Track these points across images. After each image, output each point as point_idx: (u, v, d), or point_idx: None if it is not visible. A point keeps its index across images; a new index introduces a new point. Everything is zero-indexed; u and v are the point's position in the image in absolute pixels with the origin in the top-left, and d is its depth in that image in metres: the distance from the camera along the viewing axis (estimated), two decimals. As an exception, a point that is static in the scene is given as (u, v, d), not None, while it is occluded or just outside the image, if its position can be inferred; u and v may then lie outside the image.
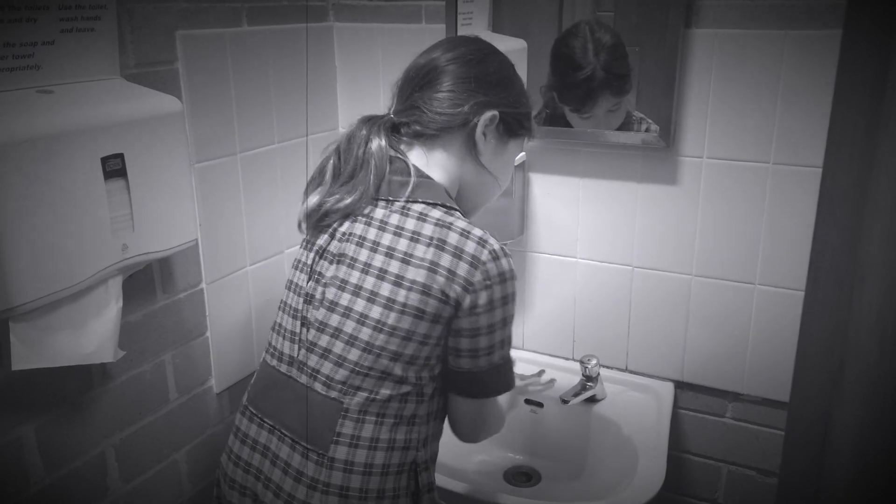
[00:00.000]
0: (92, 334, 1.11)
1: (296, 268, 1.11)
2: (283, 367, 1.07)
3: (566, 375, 1.58)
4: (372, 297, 0.99)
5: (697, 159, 1.43)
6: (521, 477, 1.52)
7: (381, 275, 0.99)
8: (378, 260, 1.00)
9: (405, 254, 0.99)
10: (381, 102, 1.67)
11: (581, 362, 1.52)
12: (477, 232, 1.00)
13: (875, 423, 0.74)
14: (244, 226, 1.48)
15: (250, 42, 1.43)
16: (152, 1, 1.23)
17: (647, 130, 1.44)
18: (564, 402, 1.47)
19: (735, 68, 1.35)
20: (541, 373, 1.53)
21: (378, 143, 1.05)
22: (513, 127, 1.11)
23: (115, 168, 1.08)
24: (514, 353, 1.09)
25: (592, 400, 1.54)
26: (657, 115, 1.42)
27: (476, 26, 1.54)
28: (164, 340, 1.35)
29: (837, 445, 0.75)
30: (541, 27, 1.53)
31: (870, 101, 0.67)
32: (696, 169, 1.43)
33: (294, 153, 1.59)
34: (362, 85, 1.68)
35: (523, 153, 1.53)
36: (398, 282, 0.98)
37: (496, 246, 1.00)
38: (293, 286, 1.09)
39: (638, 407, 1.52)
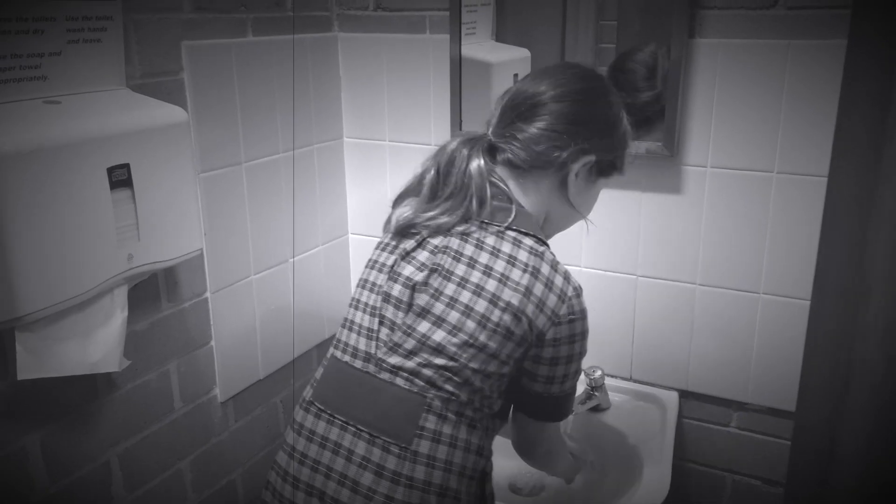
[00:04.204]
0: (97, 344, 1.11)
1: (371, 268, 1.11)
2: (359, 364, 1.05)
3: (571, 385, 1.57)
4: (467, 312, 1.01)
5: (701, 168, 1.43)
6: (527, 487, 1.51)
7: (478, 291, 1.01)
8: (475, 276, 1.02)
9: (502, 275, 1.01)
10: (386, 112, 1.67)
11: (585, 372, 1.52)
12: (563, 268, 1.05)
13: (882, 433, 0.74)
14: (249, 235, 1.49)
15: (255, 52, 1.44)
16: (158, 12, 1.24)
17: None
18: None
19: (739, 78, 1.35)
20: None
21: (478, 164, 1.06)
22: (605, 169, 1.12)
23: (120, 178, 1.08)
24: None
25: (597, 409, 1.53)
26: (661, 124, 1.42)
27: (479, 36, 1.55)
28: (168, 349, 1.35)
29: (844, 456, 0.75)
30: (544, 36, 1.54)
31: (875, 112, 0.67)
32: (701, 178, 1.43)
33: (299, 163, 1.59)
34: (366, 95, 1.69)
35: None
36: (494, 301, 1.00)
37: (577, 283, 1.05)
38: (369, 285, 1.09)
39: (642, 416, 1.52)
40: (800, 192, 1.36)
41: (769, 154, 1.36)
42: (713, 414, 1.56)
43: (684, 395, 1.57)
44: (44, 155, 0.97)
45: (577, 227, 1.55)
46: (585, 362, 1.59)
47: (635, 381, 1.60)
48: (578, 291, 1.05)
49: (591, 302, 1.59)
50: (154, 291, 1.30)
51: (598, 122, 1.08)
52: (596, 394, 1.51)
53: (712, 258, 1.46)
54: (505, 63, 1.49)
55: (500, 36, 1.56)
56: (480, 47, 1.55)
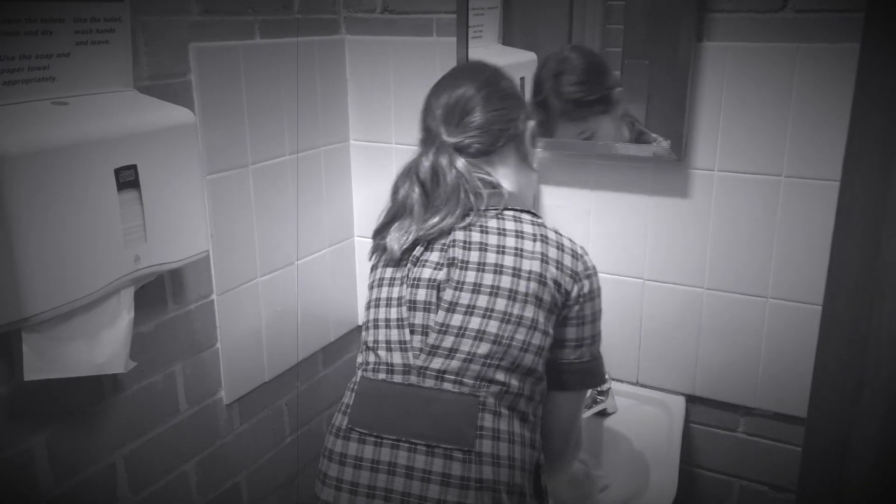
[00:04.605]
0: (104, 345, 1.11)
1: (380, 286, 1.12)
2: (398, 378, 1.05)
3: (577, 389, 1.56)
4: (494, 291, 1.03)
5: (709, 172, 1.42)
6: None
7: (499, 269, 1.04)
8: (491, 258, 1.06)
9: (515, 248, 1.06)
10: (392, 115, 1.67)
11: (592, 375, 1.51)
12: (563, 231, 1.13)
13: None
14: (255, 237, 1.48)
15: (263, 54, 1.44)
16: (166, 14, 1.24)
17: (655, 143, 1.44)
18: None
19: (747, 81, 1.34)
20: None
21: (462, 162, 1.12)
22: (533, 128, 1.23)
23: (128, 179, 1.08)
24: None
25: (603, 414, 1.52)
26: (668, 128, 1.42)
27: (486, 39, 1.54)
28: (174, 351, 1.35)
29: (857, 463, 0.74)
30: (551, 40, 1.54)
31: (889, 116, 0.67)
32: (708, 182, 1.43)
33: (305, 165, 1.59)
34: (373, 97, 1.69)
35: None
36: (517, 273, 1.04)
37: (579, 244, 1.13)
38: (384, 301, 1.10)
39: (649, 421, 1.51)
40: (808, 196, 1.35)
41: (777, 158, 1.36)
42: (720, 419, 1.55)
43: (691, 399, 1.56)
44: (51, 156, 0.97)
45: (583, 231, 1.56)
46: (592, 366, 1.60)
47: (642, 386, 1.59)
48: (585, 250, 1.12)
49: (598, 306, 1.60)
50: (160, 293, 1.30)
51: (517, 93, 1.21)
52: (602, 398, 1.51)
53: (720, 262, 1.45)
54: (512, 66, 1.48)
55: (507, 39, 1.56)
56: (487, 51, 1.54)
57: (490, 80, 1.18)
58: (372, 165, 1.73)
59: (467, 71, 1.25)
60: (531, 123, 1.21)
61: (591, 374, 1.13)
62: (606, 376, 1.50)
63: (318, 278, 1.68)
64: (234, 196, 1.42)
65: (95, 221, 1.04)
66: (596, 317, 1.11)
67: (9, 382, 1.07)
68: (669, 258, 1.49)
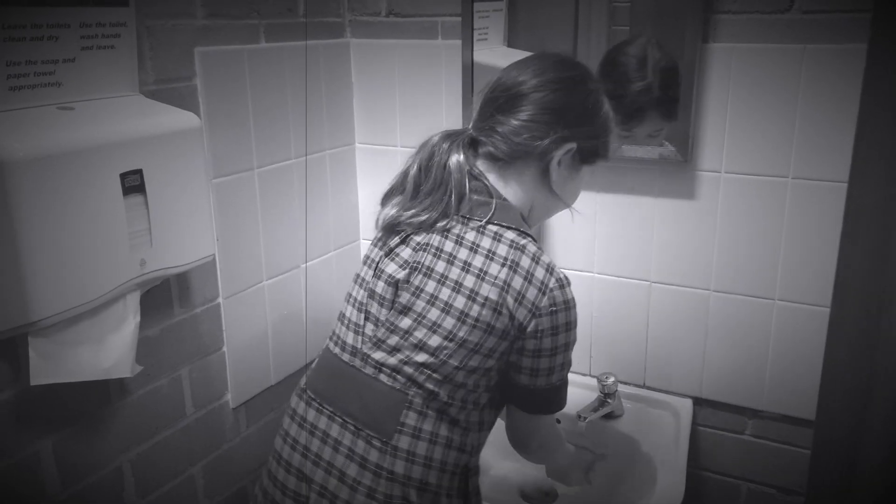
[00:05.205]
0: (110, 349, 1.11)
1: (364, 263, 1.13)
2: (346, 357, 1.08)
3: (583, 392, 1.56)
4: (446, 308, 1.02)
5: (715, 174, 1.42)
6: (538, 493, 1.50)
7: (456, 287, 1.02)
8: (454, 273, 1.03)
9: (480, 270, 1.02)
10: (398, 118, 1.67)
11: (598, 379, 1.51)
12: (546, 259, 1.03)
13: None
14: (261, 241, 1.49)
15: (268, 58, 1.44)
16: (171, 18, 1.24)
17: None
18: (582, 418, 1.46)
19: (753, 83, 1.34)
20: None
21: (457, 159, 1.07)
22: (588, 156, 1.11)
23: (133, 184, 1.08)
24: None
25: (610, 416, 1.52)
26: (675, 129, 1.41)
27: (491, 42, 1.54)
28: (181, 355, 1.35)
29: (866, 465, 0.74)
30: (556, 42, 1.53)
31: (896, 117, 0.66)
32: (715, 183, 1.42)
33: (311, 168, 1.59)
34: (379, 101, 1.69)
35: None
36: (472, 296, 1.01)
37: (562, 274, 1.04)
38: (360, 280, 1.12)
39: (656, 423, 1.51)
40: (815, 197, 1.34)
41: (784, 159, 1.35)
42: (728, 421, 1.55)
43: (698, 402, 1.55)
44: (57, 160, 0.97)
45: (589, 233, 1.55)
46: (598, 369, 1.60)
47: (649, 388, 1.59)
48: (562, 283, 1.03)
49: (604, 308, 1.59)
50: (166, 297, 1.30)
51: (577, 109, 1.07)
52: (609, 401, 1.50)
53: (726, 264, 1.45)
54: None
55: (513, 42, 1.55)
56: (492, 53, 1.54)
57: (555, 83, 1.06)
58: (377, 168, 1.73)
59: (541, 61, 1.10)
60: (570, 147, 1.07)
61: (546, 401, 1.09)
62: (611, 380, 1.50)
63: (324, 281, 1.68)
64: (239, 200, 1.42)
65: (101, 226, 1.04)
66: (557, 350, 1.04)
67: (16, 387, 1.07)
68: (676, 260, 1.49)
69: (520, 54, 1.53)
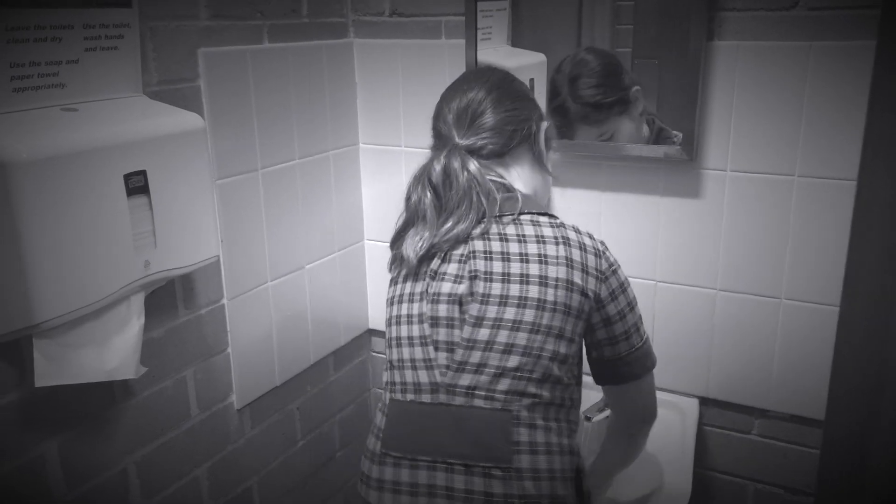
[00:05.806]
0: (114, 351, 1.11)
1: (399, 302, 1.10)
2: (426, 397, 1.03)
3: (589, 392, 1.55)
4: (522, 302, 1.01)
5: (721, 172, 1.41)
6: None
7: (524, 279, 1.02)
8: (514, 267, 1.03)
9: (539, 255, 1.04)
10: (402, 118, 1.67)
11: (604, 378, 1.50)
12: (582, 228, 1.11)
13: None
14: (265, 242, 1.48)
15: (272, 59, 1.44)
16: (175, 19, 1.24)
17: (670, 140, 1.43)
18: (588, 419, 1.45)
19: (759, 80, 1.33)
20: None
21: (475, 165, 1.09)
22: (552, 129, 1.22)
23: (137, 185, 1.08)
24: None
25: (616, 416, 1.51)
26: (679, 128, 1.41)
27: (495, 41, 1.54)
28: (185, 356, 1.35)
29: (876, 466, 0.73)
30: (560, 41, 1.53)
31: (905, 113, 0.66)
32: (720, 182, 1.41)
33: (315, 169, 1.59)
34: (382, 100, 1.68)
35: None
36: (543, 282, 1.02)
37: (599, 238, 1.11)
38: (405, 318, 1.08)
39: (662, 423, 1.49)
40: (822, 195, 1.34)
41: (790, 157, 1.34)
42: (734, 421, 1.54)
43: (705, 402, 1.55)
44: (61, 162, 0.97)
45: (594, 233, 1.54)
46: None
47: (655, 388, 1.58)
48: (605, 245, 1.11)
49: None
50: (170, 298, 1.30)
51: (528, 94, 1.20)
52: (615, 401, 1.49)
53: (732, 263, 1.44)
54: (521, 68, 1.48)
55: (516, 41, 1.55)
56: (496, 52, 1.54)
57: (500, 82, 1.16)
58: (381, 169, 1.73)
59: (476, 75, 1.23)
60: (545, 124, 1.19)
61: (648, 356, 1.14)
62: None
63: (328, 282, 1.68)
64: (243, 201, 1.42)
65: (105, 227, 1.04)
66: (631, 305, 1.10)
67: (20, 389, 1.07)
68: (681, 259, 1.48)
69: (524, 54, 1.53)
